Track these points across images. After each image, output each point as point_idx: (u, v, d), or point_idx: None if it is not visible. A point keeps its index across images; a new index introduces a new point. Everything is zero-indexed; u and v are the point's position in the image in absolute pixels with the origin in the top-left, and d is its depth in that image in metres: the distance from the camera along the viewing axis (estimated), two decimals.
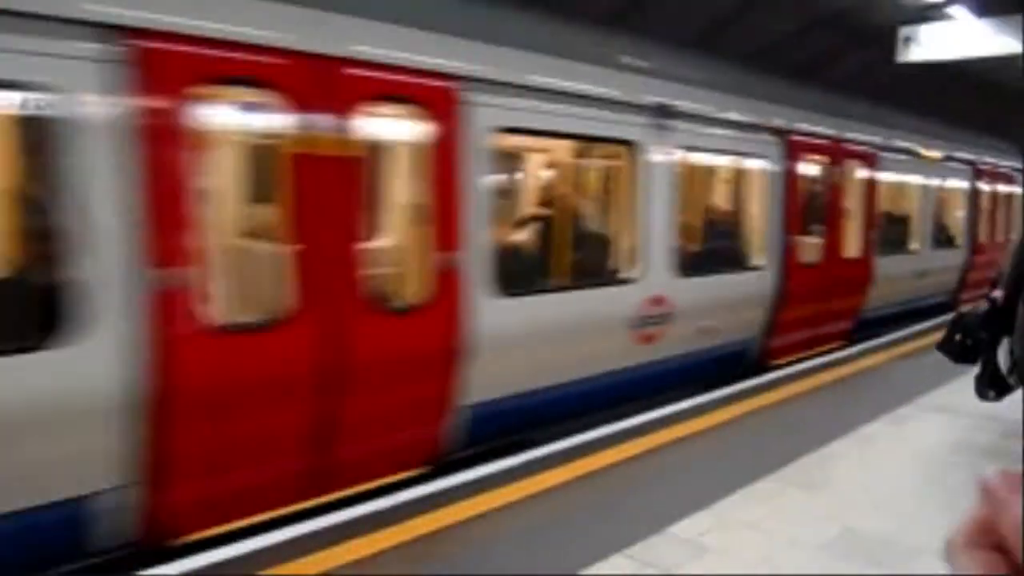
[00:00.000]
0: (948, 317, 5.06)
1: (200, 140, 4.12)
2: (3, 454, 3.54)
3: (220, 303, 4.33)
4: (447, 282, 5.18)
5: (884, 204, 11.08)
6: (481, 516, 4.41)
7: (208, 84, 4.04)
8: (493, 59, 5.51)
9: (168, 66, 3.86)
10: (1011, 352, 4.11)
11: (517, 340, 5.67)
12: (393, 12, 4.96)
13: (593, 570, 3.82)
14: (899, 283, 11.15)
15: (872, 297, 10.39)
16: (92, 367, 3.71)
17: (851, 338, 10.07)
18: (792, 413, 6.71)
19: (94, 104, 3.64)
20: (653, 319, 6.93)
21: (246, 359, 4.23)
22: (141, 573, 3.51)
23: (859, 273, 10.05)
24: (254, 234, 4.84)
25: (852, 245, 9.93)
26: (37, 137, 3.67)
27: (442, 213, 5.12)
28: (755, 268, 8.28)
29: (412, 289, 5.13)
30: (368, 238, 4.81)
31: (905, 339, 9.83)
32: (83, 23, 3.62)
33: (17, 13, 3.44)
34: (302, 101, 4.37)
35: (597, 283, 6.69)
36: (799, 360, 8.77)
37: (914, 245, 11.98)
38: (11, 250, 4.04)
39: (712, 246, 8.15)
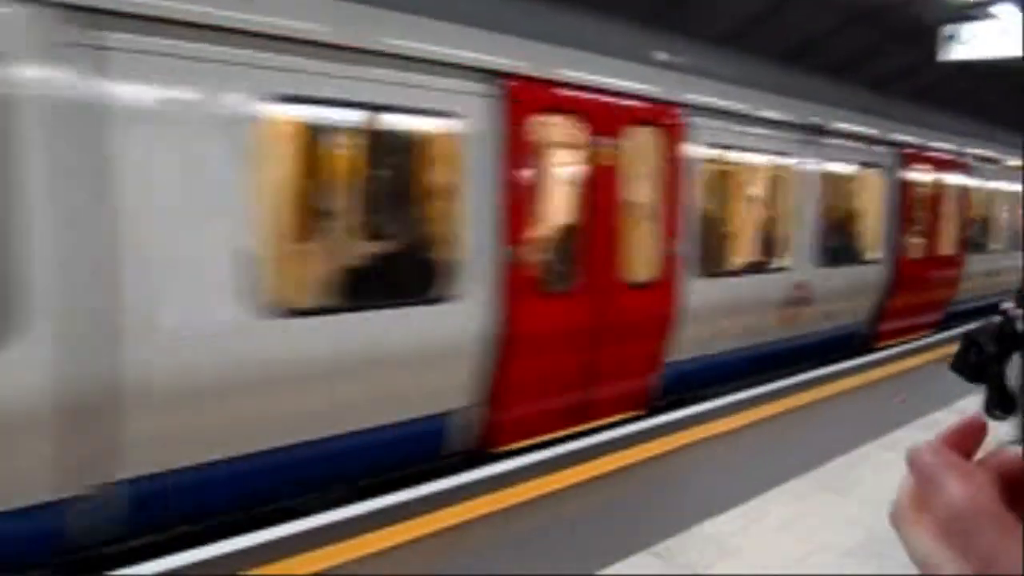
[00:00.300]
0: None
1: (541, 154, 5.59)
2: (406, 379, 5.02)
3: (542, 274, 5.79)
4: (670, 265, 6.64)
5: (972, 208, 12.36)
6: (510, 510, 4.45)
7: (546, 113, 5.53)
8: (703, 90, 6.95)
9: (524, 98, 5.34)
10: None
11: (707, 312, 7.11)
12: (642, 55, 6.42)
13: (620, 567, 3.80)
14: (980, 280, 12.43)
15: (960, 291, 11.71)
16: (469, 317, 5.20)
17: (939, 328, 11.39)
18: (824, 415, 6.68)
19: (480, 123, 5.13)
20: (796, 301, 8.34)
21: (556, 315, 5.72)
22: (139, 572, 3.51)
23: (952, 270, 11.38)
24: (561, 226, 6.28)
25: (948, 244, 11.25)
26: (456, 150, 5.14)
27: (669, 210, 6.58)
28: (872, 262, 9.65)
29: (647, 269, 6.57)
30: (621, 229, 6.26)
31: (941, 343, 10.00)
32: (477, 70, 5.10)
33: (442, 63, 4.93)
34: (596, 125, 5.85)
35: (762, 269, 8.12)
36: (898, 345, 10.09)
37: (993, 246, 13.26)
38: (422, 234, 5.53)
39: (840, 242, 9.50)
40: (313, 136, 5.25)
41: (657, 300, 6.60)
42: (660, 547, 4.01)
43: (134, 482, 3.94)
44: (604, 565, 3.79)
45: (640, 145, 6.36)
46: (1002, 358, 4.03)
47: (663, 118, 6.46)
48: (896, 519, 0.53)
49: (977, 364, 4.10)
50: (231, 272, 4.07)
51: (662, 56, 6.74)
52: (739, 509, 4.54)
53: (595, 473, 5.03)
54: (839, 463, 5.41)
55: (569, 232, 6.08)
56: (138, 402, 3.81)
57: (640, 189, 6.42)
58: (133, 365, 3.76)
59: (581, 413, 6.27)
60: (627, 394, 6.66)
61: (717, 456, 5.58)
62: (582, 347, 6.02)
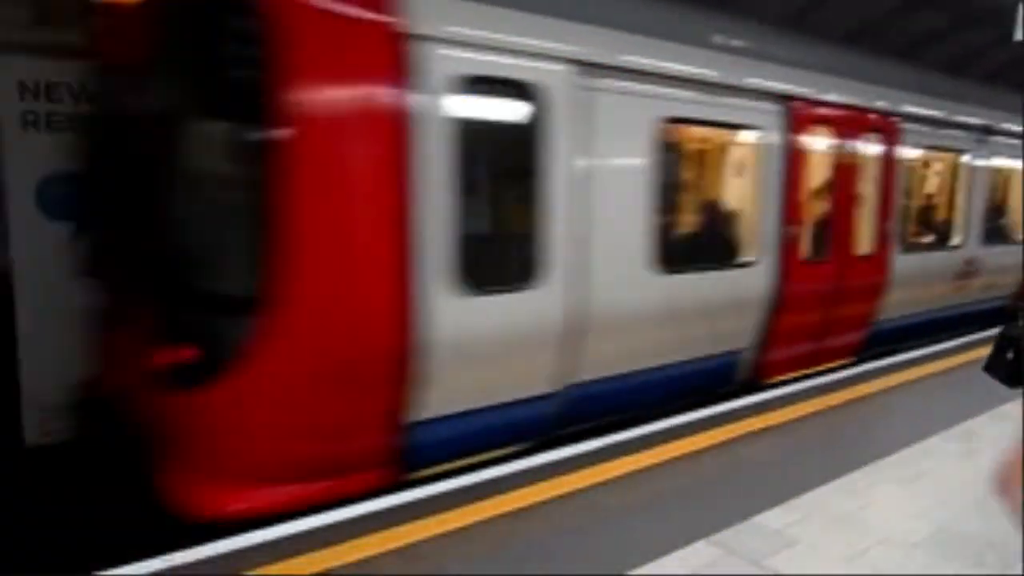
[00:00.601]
0: None
1: (808, 157, 7.28)
2: (722, 322, 6.76)
3: (805, 246, 7.49)
4: (883, 240, 8.29)
5: None
6: (573, 495, 4.53)
7: (818, 125, 7.24)
8: (909, 101, 8.57)
9: (804, 116, 7.04)
10: None
11: (906, 281, 8.72)
12: (860, 74, 8.09)
13: (677, 555, 3.81)
14: None
15: None
16: (759, 277, 6.93)
17: None
18: (889, 404, 6.65)
19: (778, 135, 6.85)
20: (965, 274, 9.90)
21: (812, 279, 7.43)
22: (136, 571, 3.52)
23: None
24: (817, 208, 7.97)
25: None
26: (763, 158, 6.88)
27: (884, 198, 8.22)
28: (1021, 242, 11.11)
29: (867, 243, 8.23)
30: (855, 212, 7.94)
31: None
32: (772, 94, 6.82)
33: (756, 91, 6.65)
34: (842, 134, 7.54)
35: (943, 247, 9.71)
36: None
37: None
38: (740, 214, 7.27)
39: (997, 224, 10.99)
40: (688, 147, 7.08)
41: (874, 270, 8.26)
42: (719, 536, 4.03)
43: (578, 385, 5.76)
44: (663, 553, 3.83)
45: (870, 147, 8.02)
46: None
47: (885, 126, 8.11)
48: (1004, 483, 0.62)
49: (1016, 364, 3.77)
50: (644, 245, 5.86)
51: (880, 74, 8.38)
52: (799, 500, 4.52)
53: (654, 461, 5.09)
54: (904, 455, 5.34)
55: (822, 213, 7.76)
56: (593, 329, 5.61)
57: (868, 180, 8.10)
58: (594, 305, 5.57)
59: (815, 358, 7.96)
60: (847, 345, 8.33)
61: (778, 446, 5.55)
62: (825, 305, 7.72)
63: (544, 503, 4.40)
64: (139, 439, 4.94)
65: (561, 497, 4.48)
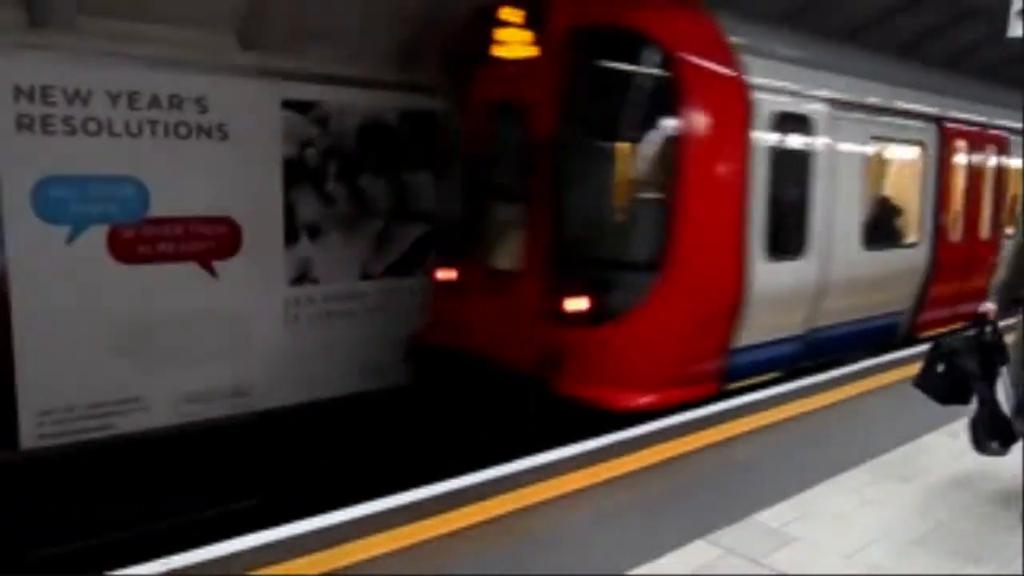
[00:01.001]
0: None
1: (954, 166, 9.49)
2: (897, 288, 8.92)
3: (952, 231, 9.66)
4: (995, 227, 10.53)
5: None
6: (572, 494, 4.52)
7: (959, 140, 9.46)
8: (1013, 118, 10.80)
9: (950, 133, 9.25)
10: (1016, 385, 3.18)
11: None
12: (983, 98, 10.33)
13: (675, 555, 3.80)
14: None
15: None
16: (921, 254, 9.10)
17: None
18: (885, 402, 6.71)
19: (934, 148, 9.06)
20: None
21: (954, 257, 9.63)
22: (129, 572, 3.53)
23: None
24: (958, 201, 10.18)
25: None
26: (925, 165, 9.09)
27: (997, 193, 10.46)
28: None
29: (987, 230, 10.44)
30: (979, 208, 10.16)
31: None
32: (931, 117, 9.02)
33: (922, 115, 8.85)
34: (973, 145, 9.77)
35: None
36: None
37: None
38: (909, 206, 9.41)
39: None
40: (880, 155, 9.31)
41: (990, 250, 10.50)
42: (717, 535, 4.02)
43: (814, 330, 7.91)
44: (661, 553, 3.81)
45: (989, 156, 10.27)
46: (988, 374, 3.27)
47: (998, 139, 10.36)
48: None
49: (950, 380, 3.42)
50: (858, 228, 8.04)
51: (994, 96, 10.64)
52: (797, 498, 4.52)
53: (651, 461, 5.10)
54: (903, 451, 5.36)
55: (960, 205, 9.96)
56: (829, 289, 7.76)
57: (988, 180, 10.34)
58: (831, 271, 7.72)
59: (949, 321, 10.15)
60: (969, 314, 10.50)
61: (774, 445, 5.56)
62: (960, 278, 9.93)
63: (543, 503, 4.40)
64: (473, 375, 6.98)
65: (560, 497, 4.49)
